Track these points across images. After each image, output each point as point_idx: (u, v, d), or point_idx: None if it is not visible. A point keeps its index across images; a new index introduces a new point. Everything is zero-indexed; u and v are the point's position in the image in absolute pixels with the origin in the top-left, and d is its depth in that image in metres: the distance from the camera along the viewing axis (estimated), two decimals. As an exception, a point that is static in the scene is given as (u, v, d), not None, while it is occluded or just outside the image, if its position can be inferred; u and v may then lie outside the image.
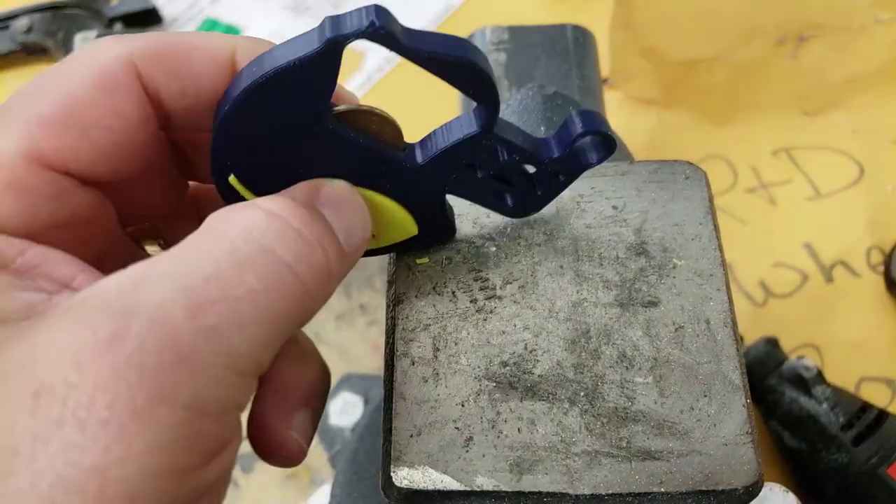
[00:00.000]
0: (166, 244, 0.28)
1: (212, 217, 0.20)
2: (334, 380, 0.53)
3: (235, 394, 0.19)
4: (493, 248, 0.27)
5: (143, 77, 0.22)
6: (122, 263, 0.24)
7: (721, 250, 0.27)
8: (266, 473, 0.52)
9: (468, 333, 0.26)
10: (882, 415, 0.44)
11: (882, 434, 0.43)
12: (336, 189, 0.23)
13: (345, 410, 0.49)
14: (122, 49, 0.21)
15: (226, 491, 0.20)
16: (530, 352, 0.25)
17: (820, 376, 0.46)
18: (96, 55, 0.21)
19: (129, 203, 0.25)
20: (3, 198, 0.20)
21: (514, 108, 0.33)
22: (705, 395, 0.25)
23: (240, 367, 0.19)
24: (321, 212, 0.22)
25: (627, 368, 0.25)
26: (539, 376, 0.25)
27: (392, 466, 0.24)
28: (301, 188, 0.23)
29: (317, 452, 0.51)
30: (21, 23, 0.70)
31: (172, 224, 0.28)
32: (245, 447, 0.57)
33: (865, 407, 0.44)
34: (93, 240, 0.23)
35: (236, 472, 0.52)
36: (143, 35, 0.22)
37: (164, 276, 0.18)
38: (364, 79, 0.69)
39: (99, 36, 0.68)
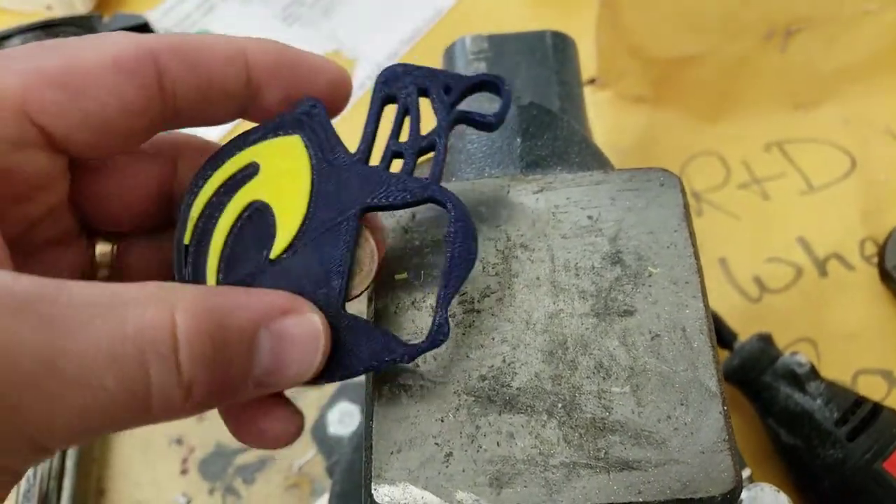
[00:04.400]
0: (117, 254, 0.27)
1: (141, 288, 0.19)
2: (332, 390, 0.53)
3: (18, 462, 0.18)
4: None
5: (161, 69, 0.22)
6: (54, 241, 0.24)
7: (697, 257, 0.27)
8: (268, 484, 0.52)
9: (447, 348, 0.26)
10: (876, 409, 0.44)
11: (877, 428, 0.42)
12: (297, 326, 0.22)
13: (343, 420, 0.50)
14: (147, 39, 0.22)
15: None
16: (508, 364, 0.26)
17: (814, 372, 0.46)
18: (120, 38, 0.22)
19: (93, 196, 0.25)
20: None
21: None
22: (682, 404, 0.25)
23: (38, 442, 0.18)
24: (257, 337, 0.21)
25: (604, 378, 0.25)
26: (517, 389, 0.25)
27: (373, 484, 0.24)
28: (270, 301, 0.22)
29: (316, 462, 0.51)
30: (13, 43, 0.71)
31: (139, 239, 0.27)
32: (247, 457, 0.57)
33: (860, 401, 0.44)
34: (31, 201, 0.23)
35: (238, 483, 0.52)
36: (164, 35, 0.23)
37: (44, 320, 0.17)
38: (356, 85, 0.69)
39: (91, 53, 0.68)
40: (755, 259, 0.56)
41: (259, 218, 0.25)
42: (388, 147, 0.25)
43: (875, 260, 0.55)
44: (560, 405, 0.25)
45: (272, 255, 0.24)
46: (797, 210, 0.58)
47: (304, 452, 0.52)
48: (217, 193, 0.25)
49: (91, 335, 0.17)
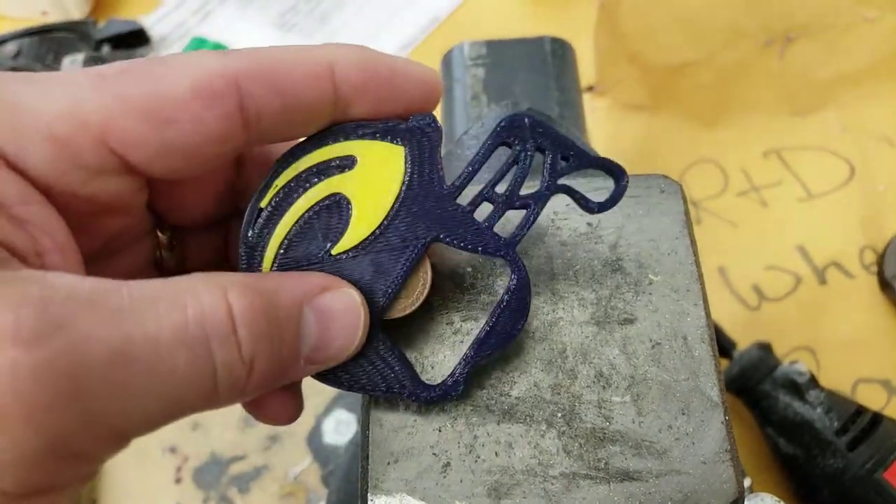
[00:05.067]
0: (184, 246, 0.27)
1: (191, 279, 0.20)
2: (328, 399, 0.53)
3: (98, 449, 0.19)
4: (469, 269, 0.27)
5: (244, 94, 0.21)
6: (129, 241, 0.24)
7: (698, 265, 0.27)
8: (262, 493, 0.52)
9: (445, 357, 0.26)
10: (876, 418, 0.43)
11: (877, 438, 0.42)
12: (337, 301, 0.23)
13: (338, 429, 0.49)
14: (228, 64, 0.21)
15: None
16: (507, 373, 0.25)
17: (813, 381, 0.45)
18: (203, 61, 0.21)
19: (168, 200, 0.25)
20: (48, 146, 0.20)
21: (489, 126, 0.32)
22: (683, 413, 0.24)
23: (116, 429, 0.19)
24: (301, 314, 0.22)
25: (604, 388, 0.25)
26: (516, 398, 0.25)
27: (370, 495, 0.24)
28: (309, 281, 0.23)
29: (312, 470, 0.51)
30: (9, 48, 0.70)
31: (202, 231, 0.28)
32: (242, 466, 0.56)
33: (860, 411, 0.44)
34: (112, 219, 0.23)
35: (232, 493, 0.52)
36: (246, 52, 0.22)
37: (112, 311, 0.18)
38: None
39: (87, 58, 0.68)
40: (754, 267, 0.56)
41: (336, 210, 0.24)
42: (482, 192, 0.25)
43: (874, 269, 0.55)
44: (560, 415, 0.25)
45: (334, 251, 0.24)
46: (796, 218, 0.58)
47: (299, 461, 0.51)
48: (309, 171, 0.25)
49: (156, 322, 0.18)
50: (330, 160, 0.25)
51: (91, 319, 0.18)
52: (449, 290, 0.27)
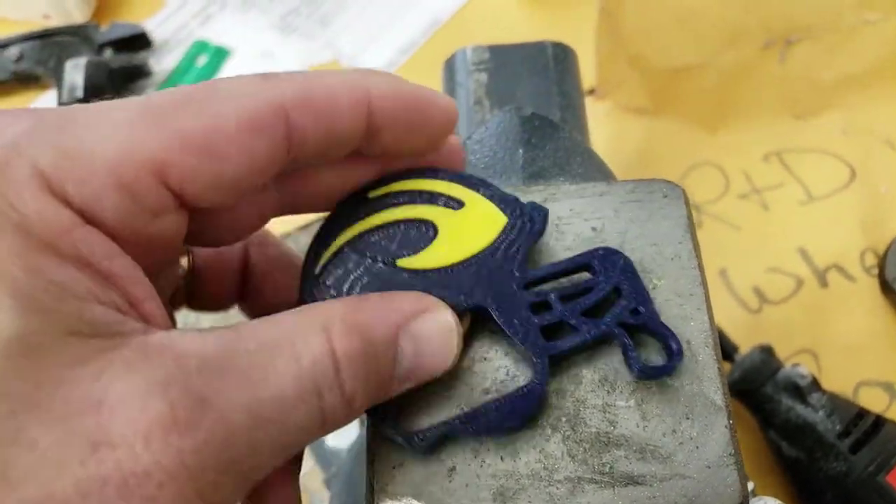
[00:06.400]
0: (192, 261, 0.28)
1: (297, 321, 0.21)
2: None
3: (228, 499, 0.20)
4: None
5: (292, 125, 0.21)
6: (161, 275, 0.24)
7: (701, 269, 0.27)
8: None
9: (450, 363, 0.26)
10: (879, 421, 0.44)
11: (879, 441, 0.42)
12: (433, 324, 0.23)
13: (340, 431, 0.49)
14: (276, 93, 0.21)
15: None
16: (512, 378, 0.25)
17: (815, 384, 0.45)
18: (249, 92, 0.21)
19: (201, 228, 0.25)
20: (117, 195, 0.20)
21: (492, 130, 0.33)
22: (687, 418, 0.25)
23: (253, 481, 0.20)
24: (398, 340, 0.22)
25: (609, 392, 0.25)
26: (521, 403, 0.25)
27: (376, 499, 0.24)
28: (404, 305, 0.23)
29: (314, 474, 0.50)
30: (11, 52, 0.71)
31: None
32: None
33: (862, 413, 0.44)
34: (157, 260, 0.23)
35: (235, 497, 0.51)
36: (289, 78, 0.22)
37: (241, 375, 0.19)
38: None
39: (89, 62, 0.68)
40: (755, 270, 0.56)
41: (423, 232, 0.25)
42: (547, 296, 0.25)
43: (875, 271, 0.55)
44: (564, 419, 0.25)
45: (399, 261, 0.25)
46: (797, 220, 0.58)
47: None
48: (420, 192, 0.26)
49: (279, 379, 0.19)
50: (441, 193, 0.26)
51: (228, 388, 0.19)
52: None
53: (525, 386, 0.24)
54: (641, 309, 0.25)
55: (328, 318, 0.21)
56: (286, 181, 0.25)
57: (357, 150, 0.24)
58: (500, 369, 0.25)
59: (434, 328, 0.23)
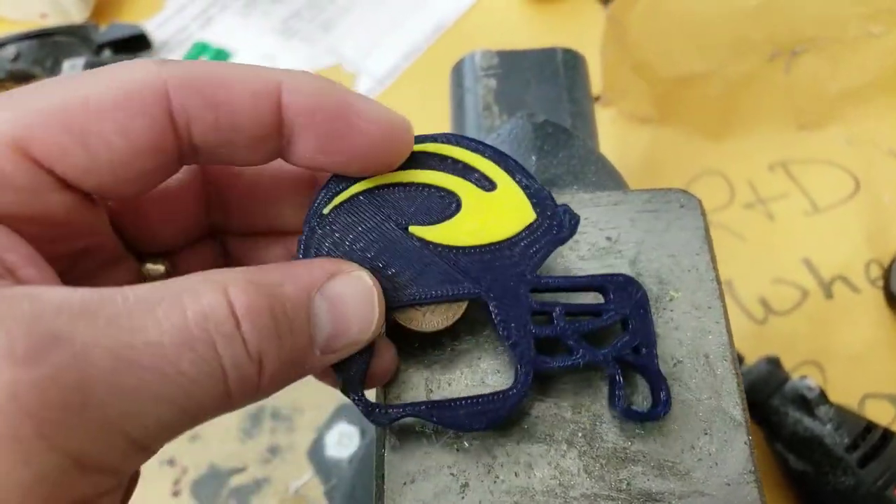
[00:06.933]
0: (173, 269, 0.27)
1: (189, 279, 0.19)
2: (330, 411, 0.52)
3: (119, 460, 0.18)
4: None
5: (174, 106, 0.21)
6: (104, 267, 0.23)
7: (719, 281, 0.26)
8: (263, 506, 0.51)
9: (462, 374, 0.25)
10: (887, 434, 0.43)
11: (888, 455, 0.42)
12: (348, 285, 0.22)
13: (341, 442, 0.48)
14: (159, 73, 0.21)
15: None
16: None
17: (823, 396, 0.45)
18: (130, 72, 0.21)
19: (133, 222, 0.24)
20: None
21: (505, 137, 0.32)
22: (706, 433, 0.24)
23: (134, 437, 0.18)
24: (311, 304, 0.21)
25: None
26: (536, 417, 0.24)
27: (385, 515, 0.23)
28: (314, 269, 0.22)
29: (313, 484, 0.50)
30: (8, 51, 0.70)
31: (186, 250, 0.27)
32: (242, 478, 0.55)
33: (870, 427, 0.44)
34: (68, 239, 0.22)
35: (232, 506, 0.51)
36: (185, 62, 0.21)
37: (109, 319, 0.18)
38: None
39: (87, 63, 0.67)
40: (761, 280, 0.56)
41: (446, 204, 0.24)
42: (552, 309, 0.24)
43: (880, 283, 0.55)
44: (580, 434, 0.24)
45: (411, 227, 0.24)
46: (802, 231, 0.58)
47: (300, 474, 0.50)
48: (453, 160, 0.24)
49: (157, 327, 0.18)
50: (477, 169, 0.24)
51: (88, 329, 0.17)
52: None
53: (502, 391, 0.23)
54: (643, 350, 0.24)
55: (229, 278, 0.20)
56: (217, 183, 0.25)
57: (279, 154, 0.23)
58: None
59: (350, 289, 0.22)
